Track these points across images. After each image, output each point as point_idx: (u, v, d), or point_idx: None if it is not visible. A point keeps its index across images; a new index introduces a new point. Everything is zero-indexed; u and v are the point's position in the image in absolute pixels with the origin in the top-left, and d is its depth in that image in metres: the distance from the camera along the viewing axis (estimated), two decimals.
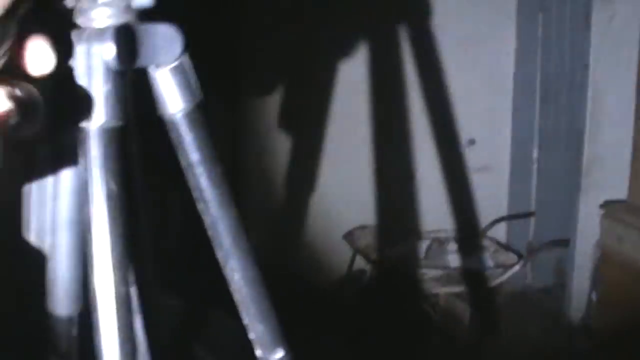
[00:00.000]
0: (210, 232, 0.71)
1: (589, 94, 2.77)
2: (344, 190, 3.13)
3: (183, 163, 0.70)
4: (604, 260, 2.64)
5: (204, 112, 0.71)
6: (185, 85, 0.69)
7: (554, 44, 3.16)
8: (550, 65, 3.19)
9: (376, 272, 2.93)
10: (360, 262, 3.02)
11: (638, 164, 2.60)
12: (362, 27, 3.01)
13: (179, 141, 0.69)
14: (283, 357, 0.73)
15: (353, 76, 3.06)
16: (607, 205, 2.65)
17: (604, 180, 2.74)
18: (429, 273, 2.92)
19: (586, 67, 2.75)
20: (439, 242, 3.11)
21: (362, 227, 3.09)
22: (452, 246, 3.06)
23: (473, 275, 2.90)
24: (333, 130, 3.13)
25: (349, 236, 3.02)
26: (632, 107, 2.62)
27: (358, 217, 3.13)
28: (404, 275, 2.95)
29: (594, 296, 2.74)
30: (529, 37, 3.23)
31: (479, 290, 2.89)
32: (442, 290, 2.86)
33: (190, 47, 0.69)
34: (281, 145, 3.12)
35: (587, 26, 2.74)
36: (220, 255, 0.72)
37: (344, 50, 3.00)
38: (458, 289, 2.88)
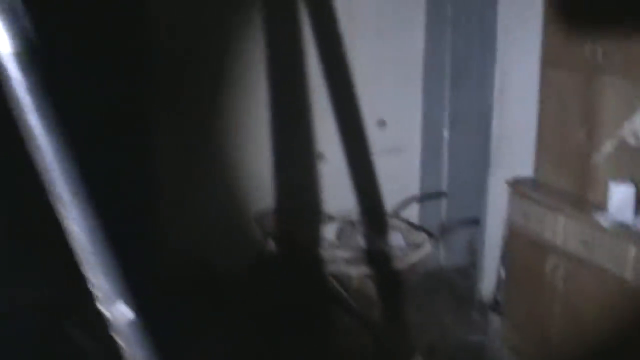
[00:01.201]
0: (46, 182, 0.67)
1: (496, 74, 2.81)
2: (256, 174, 3.10)
3: (14, 107, 0.66)
4: (511, 237, 2.67)
5: (41, 59, 0.67)
6: (13, 25, 0.65)
7: (463, 25, 3.18)
8: (460, 46, 3.22)
9: (287, 254, 2.91)
10: (270, 245, 2.99)
11: (542, 141, 2.64)
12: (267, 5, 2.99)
13: (8, 82, 0.65)
14: (124, 310, 0.69)
15: (259, 59, 3.03)
16: (513, 182, 2.67)
17: (511, 159, 2.77)
18: (340, 255, 2.91)
19: (494, 48, 2.78)
20: (351, 224, 3.11)
21: (273, 210, 3.06)
22: (364, 227, 3.07)
23: (385, 256, 2.91)
24: (242, 115, 3.10)
25: (259, 219, 2.99)
26: (537, 86, 2.65)
27: (270, 200, 3.10)
28: (316, 258, 2.94)
29: (502, 273, 2.77)
30: (438, 17, 3.25)
31: (391, 270, 2.90)
32: (354, 271, 2.86)
33: None
34: (191, 128, 3.07)
35: (494, 6, 2.78)
36: (59, 206, 0.68)
37: (249, 29, 2.97)
38: (370, 269, 2.88)
